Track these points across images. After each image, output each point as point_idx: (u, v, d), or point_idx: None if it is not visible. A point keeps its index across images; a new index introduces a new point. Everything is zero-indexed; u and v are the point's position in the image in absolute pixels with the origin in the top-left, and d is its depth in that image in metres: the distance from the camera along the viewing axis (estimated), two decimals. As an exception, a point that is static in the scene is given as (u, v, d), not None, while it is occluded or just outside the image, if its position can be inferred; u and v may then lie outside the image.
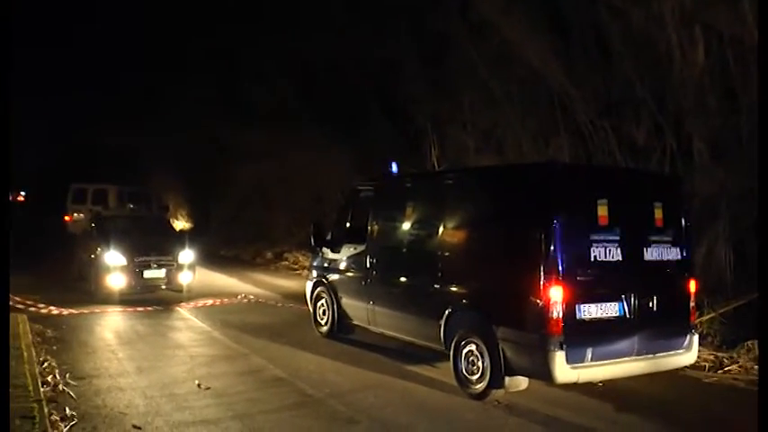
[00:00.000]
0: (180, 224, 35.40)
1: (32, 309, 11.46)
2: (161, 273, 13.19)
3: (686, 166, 10.41)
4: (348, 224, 9.75)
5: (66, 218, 24.45)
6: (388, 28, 16.30)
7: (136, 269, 12.88)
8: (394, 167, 9.55)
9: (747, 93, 9.64)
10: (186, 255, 13.58)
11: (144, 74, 29.31)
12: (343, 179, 18.91)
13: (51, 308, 11.56)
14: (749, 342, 8.45)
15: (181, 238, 14.44)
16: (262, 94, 21.98)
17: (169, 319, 11.51)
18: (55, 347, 8.88)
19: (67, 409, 6.21)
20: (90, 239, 14.19)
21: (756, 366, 7.98)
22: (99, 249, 13.19)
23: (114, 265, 12.75)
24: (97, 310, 11.81)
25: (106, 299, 12.57)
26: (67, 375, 7.36)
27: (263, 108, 22.22)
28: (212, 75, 24.32)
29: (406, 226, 8.38)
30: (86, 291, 13.35)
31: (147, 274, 13.05)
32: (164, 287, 13.35)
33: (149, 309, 12.15)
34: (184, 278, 13.44)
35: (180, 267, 13.38)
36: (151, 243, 13.50)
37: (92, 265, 13.44)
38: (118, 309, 12.05)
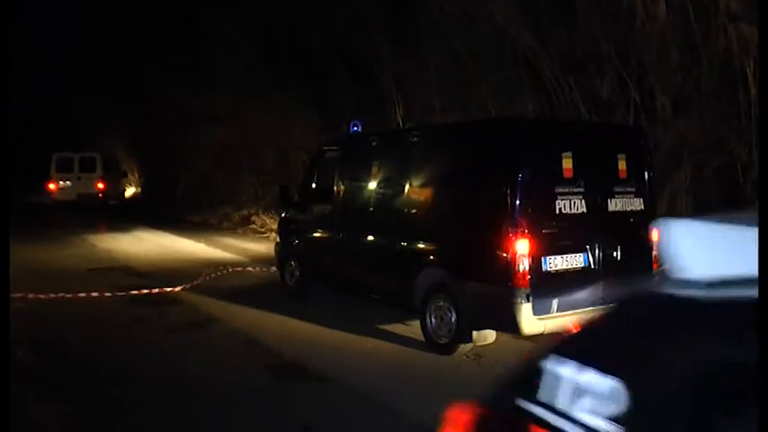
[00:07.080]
0: (131, 189, 34.64)
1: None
2: None
3: (649, 119, 10.54)
4: (314, 185, 9.69)
5: (51, 186, 24.38)
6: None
7: None
8: (357, 127, 9.48)
9: (707, 47, 9.74)
10: None
11: (106, 38, 28.57)
12: (309, 140, 18.79)
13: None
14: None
15: None
16: (225, 58, 21.60)
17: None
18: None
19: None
20: None
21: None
22: None
23: None
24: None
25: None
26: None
27: (227, 71, 21.86)
28: (175, 39, 23.81)
29: (373, 185, 8.35)
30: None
31: None
32: None
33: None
34: None
35: None
36: None
37: None
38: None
